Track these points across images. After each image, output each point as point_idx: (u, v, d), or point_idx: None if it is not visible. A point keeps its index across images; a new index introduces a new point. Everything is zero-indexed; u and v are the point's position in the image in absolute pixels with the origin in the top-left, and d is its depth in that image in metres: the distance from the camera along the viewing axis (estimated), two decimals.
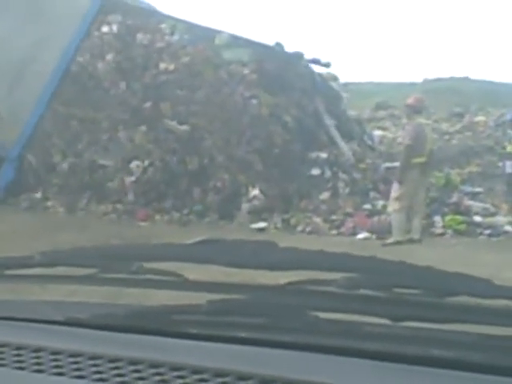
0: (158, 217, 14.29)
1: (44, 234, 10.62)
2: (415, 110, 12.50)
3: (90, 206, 14.78)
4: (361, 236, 13.26)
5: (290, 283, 1.51)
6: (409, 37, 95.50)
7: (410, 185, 12.01)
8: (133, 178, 15.07)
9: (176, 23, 17.78)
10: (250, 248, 1.64)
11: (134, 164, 15.25)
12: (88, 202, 14.90)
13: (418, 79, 37.10)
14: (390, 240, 11.91)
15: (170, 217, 14.27)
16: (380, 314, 1.42)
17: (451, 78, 34.48)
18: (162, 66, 16.43)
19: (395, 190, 12.22)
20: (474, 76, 44.05)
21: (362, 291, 1.45)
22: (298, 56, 18.33)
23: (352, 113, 19.49)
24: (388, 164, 16.79)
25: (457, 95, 28.94)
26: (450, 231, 13.89)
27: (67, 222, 12.58)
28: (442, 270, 1.45)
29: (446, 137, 23.05)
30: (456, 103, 27.27)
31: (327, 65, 19.09)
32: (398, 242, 11.75)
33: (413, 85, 34.39)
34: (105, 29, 17.28)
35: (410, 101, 12.72)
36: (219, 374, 1.30)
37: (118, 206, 14.69)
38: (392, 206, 12.31)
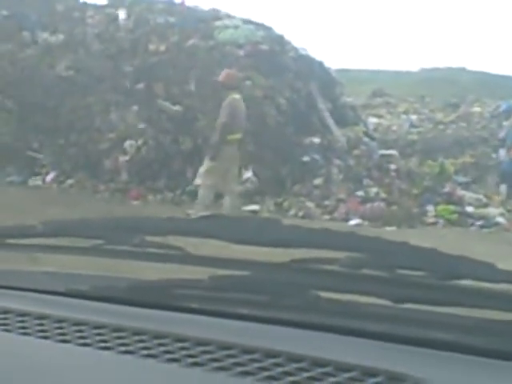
0: (150, 196, 14.29)
1: (35, 208, 10.60)
2: (228, 86, 12.01)
3: (82, 184, 14.78)
4: (353, 222, 13.28)
5: (292, 261, 1.50)
6: (407, 26, 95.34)
7: (224, 161, 11.51)
8: (126, 158, 15.06)
9: (172, 6, 17.93)
10: (253, 224, 1.64)
11: (127, 143, 15.25)
12: (81, 179, 14.90)
13: (415, 68, 37.11)
14: (191, 211, 11.28)
15: (162, 196, 14.27)
16: (382, 294, 1.42)
17: (448, 68, 34.49)
18: (152, 47, 16.51)
19: (206, 166, 11.78)
20: (470, 67, 44.01)
21: (365, 271, 1.45)
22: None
23: (347, 99, 19.44)
24: (383, 151, 16.80)
25: (453, 85, 28.96)
26: (441, 221, 13.94)
27: (58, 198, 12.54)
28: (446, 252, 1.45)
29: (441, 126, 23.06)
30: (452, 93, 27.27)
31: None
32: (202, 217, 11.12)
33: (409, 73, 34.42)
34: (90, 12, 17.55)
35: (221, 78, 12.23)
36: (224, 346, 1.30)
37: (111, 184, 14.69)
38: (199, 181, 11.89)
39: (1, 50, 16.32)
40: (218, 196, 12.03)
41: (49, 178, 15.08)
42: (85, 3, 19.06)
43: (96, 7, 18.72)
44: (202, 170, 11.94)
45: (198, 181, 12.04)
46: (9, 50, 16.43)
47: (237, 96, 11.90)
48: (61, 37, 17.26)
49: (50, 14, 17.70)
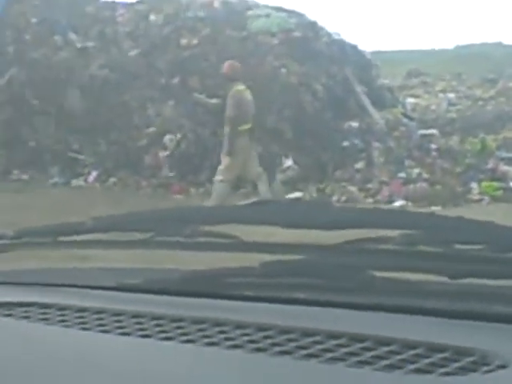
0: (193, 190, 14.33)
1: (80, 208, 10.68)
2: (231, 78, 11.99)
3: (124, 181, 14.88)
4: (397, 204, 13.21)
5: (346, 242, 1.49)
6: (439, 3, 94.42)
7: (239, 153, 11.56)
8: (166, 152, 15.12)
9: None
10: (304, 208, 1.63)
11: (167, 138, 15.31)
12: (123, 177, 15.00)
13: (450, 45, 36.75)
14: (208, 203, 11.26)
15: (204, 189, 14.30)
16: (439, 270, 1.40)
17: (483, 44, 34.06)
18: (184, 41, 16.57)
19: (224, 162, 11.73)
20: (506, 41, 43.52)
21: (421, 248, 1.43)
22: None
23: (384, 81, 19.32)
24: (423, 131, 16.67)
25: (489, 61, 28.60)
26: (486, 198, 13.81)
27: (102, 197, 12.63)
28: (502, 224, 1.43)
29: (480, 103, 22.83)
30: (489, 69, 26.93)
31: None
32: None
33: (444, 51, 34.09)
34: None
35: (224, 69, 12.21)
36: (284, 330, 1.29)
37: (153, 180, 14.77)
38: (218, 176, 11.78)
39: (35, 55, 16.44)
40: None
41: (91, 177, 15.20)
42: (114, 2, 19.16)
43: (125, 5, 18.81)
44: (221, 166, 11.85)
45: (218, 177, 11.88)
46: (43, 54, 16.56)
47: (241, 87, 11.90)
48: (93, 37, 17.39)
49: (80, 15, 17.82)
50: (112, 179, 15.06)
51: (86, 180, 15.28)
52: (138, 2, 18.74)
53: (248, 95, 11.98)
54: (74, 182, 15.14)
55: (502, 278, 1.37)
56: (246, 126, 11.65)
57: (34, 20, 17.27)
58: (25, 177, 15.12)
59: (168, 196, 13.37)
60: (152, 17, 17.67)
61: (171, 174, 14.84)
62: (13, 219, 9.17)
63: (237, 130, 11.52)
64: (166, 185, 14.47)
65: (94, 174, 15.23)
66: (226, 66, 12.25)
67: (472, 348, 1.18)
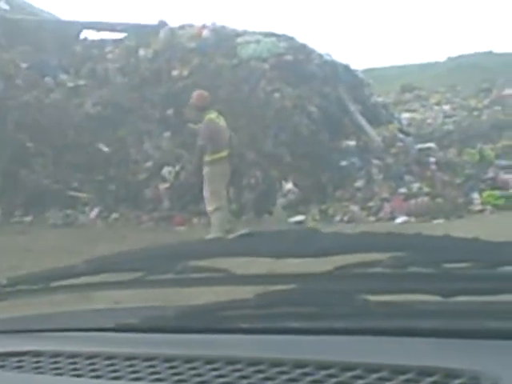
0: (195, 220, 14.32)
1: (83, 247, 10.68)
2: (200, 108, 11.92)
3: (126, 217, 14.88)
4: (399, 220, 13.21)
5: (336, 268, 1.49)
6: (428, 16, 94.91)
7: (220, 180, 11.59)
8: (166, 185, 15.14)
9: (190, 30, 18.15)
10: (292, 237, 1.62)
11: (165, 170, 15.33)
12: (124, 212, 15.00)
13: (441, 58, 36.84)
14: (209, 236, 10.98)
15: (207, 219, 14.29)
16: (431, 291, 1.40)
17: (475, 54, 34.21)
18: (175, 72, 16.67)
19: (206, 191, 11.74)
20: (497, 49, 43.61)
21: (410, 269, 1.43)
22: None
23: (378, 98, 19.39)
24: (420, 145, 16.70)
25: (482, 70, 28.71)
26: (489, 207, 13.81)
27: (105, 234, 12.63)
28: (489, 240, 1.43)
29: (476, 113, 22.89)
30: (482, 79, 27.05)
31: None
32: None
33: (436, 64, 34.21)
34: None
35: (193, 100, 12.17)
36: (275, 363, 1.29)
37: (154, 213, 14.77)
38: (209, 207, 11.76)
39: (26, 98, 16.53)
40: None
41: (92, 214, 15.19)
42: (102, 40, 19.29)
43: (114, 42, 18.92)
44: (206, 196, 11.85)
45: (209, 208, 11.85)
46: (35, 97, 16.64)
47: (213, 115, 11.86)
48: (83, 75, 17.50)
49: (70, 55, 17.96)
50: (114, 215, 15.05)
51: (87, 217, 15.27)
52: (125, 37, 18.85)
53: (221, 123, 11.97)
54: (76, 221, 15.13)
55: (491, 294, 1.36)
56: (222, 154, 11.62)
57: (23, 65, 17.38)
58: (27, 218, 15.12)
59: (170, 228, 13.35)
60: (141, 51, 17.77)
61: (172, 206, 14.84)
62: (17, 262, 9.21)
63: (212, 158, 11.50)
64: (168, 217, 14.47)
65: (96, 211, 15.22)
66: (195, 96, 12.20)
67: (462, 369, 1.18)
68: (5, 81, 16.81)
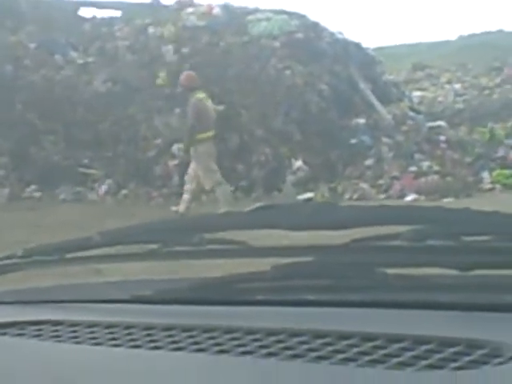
0: (204, 197, 14.32)
1: (93, 223, 10.70)
2: (189, 88, 12.30)
3: (135, 193, 14.90)
4: (409, 198, 13.18)
5: (354, 241, 1.48)
6: None
7: (204, 159, 11.88)
8: (175, 161, 15.14)
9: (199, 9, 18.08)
10: (309, 210, 1.61)
11: (175, 147, 15.32)
12: (134, 189, 15.02)
13: (452, 37, 36.65)
14: (175, 208, 11.94)
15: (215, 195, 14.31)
16: (449, 264, 1.39)
17: (486, 33, 34.01)
18: (185, 50, 16.64)
19: (199, 170, 12.02)
20: (508, 28, 43.35)
21: (429, 242, 1.42)
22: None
23: (389, 76, 19.31)
24: (431, 123, 16.64)
25: (493, 49, 28.53)
26: (498, 186, 13.78)
27: (114, 209, 12.64)
28: (509, 213, 1.41)
29: (486, 91, 22.79)
30: (493, 57, 26.90)
31: None
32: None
33: (447, 43, 34.03)
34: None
35: (182, 81, 12.60)
36: (295, 334, 1.28)
37: (164, 190, 14.78)
38: (207, 185, 12.16)
39: (36, 77, 16.52)
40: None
41: (102, 191, 15.21)
42: (111, 18, 19.25)
43: (123, 20, 18.87)
44: (188, 175, 12.20)
45: (207, 186, 12.27)
46: (44, 75, 16.63)
47: (201, 95, 12.15)
48: (93, 53, 17.47)
49: (79, 34, 17.92)
50: (123, 191, 15.07)
51: (97, 194, 15.29)
52: (135, 15, 18.79)
53: (209, 103, 12.27)
54: (86, 197, 15.16)
55: (509, 268, 1.35)
56: (208, 134, 11.91)
57: (32, 45, 17.34)
58: (37, 194, 15.16)
59: (179, 204, 13.34)
60: (151, 29, 17.72)
61: (181, 183, 14.84)
62: (25, 237, 9.24)
63: (195, 138, 11.77)
64: (177, 194, 14.47)
65: (105, 187, 15.25)
66: (183, 77, 12.60)
67: (484, 340, 1.17)
68: (14, 62, 16.78)
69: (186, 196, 12.13)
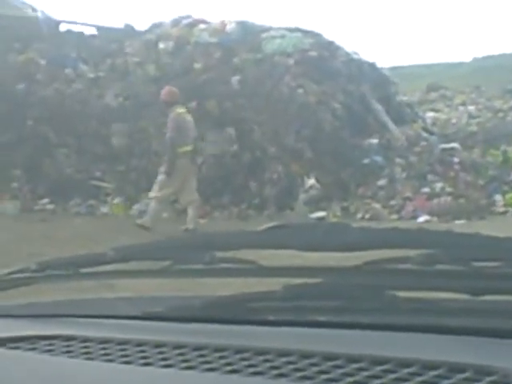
0: (216, 213, 14.34)
1: (102, 236, 10.71)
2: (169, 103, 12.36)
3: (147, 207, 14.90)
4: (421, 219, 13.15)
5: (365, 263, 1.48)
6: (456, 16, 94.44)
7: (178, 174, 11.90)
8: None
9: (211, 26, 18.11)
10: (322, 230, 1.62)
11: None
12: (145, 202, 15.02)
13: (467, 58, 36.62)
14: (140, 221, 11.95)
15: (228, 212, 14.31)
16: (459, 289, 1.39)
17: (501, 55, 33.97)
18: (198, 65, 16.66)
19: (159, 180, 12.19)
20: None
21: (440, 267, 1.43)
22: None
23: (403, 97, 19.32)
24: (444, 145, 16.62)
25: (508, 72, 28.48)
26: (511, 209, 13.73)
27: (124, 225, 12.64)
28: None
29: (501, 114, 22.74)
30: (508, 80, 26.86)
31: None
32: (143, 227, 11.61)
33: (462, 64, 34.03)
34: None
35: (162, 95, 12.62)
36: (306, 355, 1.29)
37: (176, 205, 14.78)
38: (153, 194, 12.26)
39: (49, 91, 16.60)
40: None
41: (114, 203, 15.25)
42: (120, 34, 19.29)
43: (133, 35, 18.92)
44: (155, 185, 12.32)
45: (151, 194, 12.42)
46: (56, 89, 16.71)
47: (181, 110, 12.30)
48: (103, 69, 17.53)
49: (89, 50, 17.98)
50: (135, 206, 15.08)
51: (109, 207, 15.32)
52: (145, 31, 18.87)
53: (189, 118, 12.38)
54: (98, 210, 15.19)
55: None
56: (187, 148, 12.01)
57: (42, 62, 17.41)
58: (50, 207, 15.21)
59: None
60: (161, 45, 17.75)
61: None
62: (40, 249, 9.27)
63: (176, 151, 11.87)
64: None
65: (118, 200, 15.28)
66: (164, 92, 12.66)
67: (493, 367, 1.17)
68: (25, 78, 16.86)
69: (151, 206, 12.25)
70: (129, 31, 19.09)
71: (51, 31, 18.34)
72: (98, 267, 1.77)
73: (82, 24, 19.58)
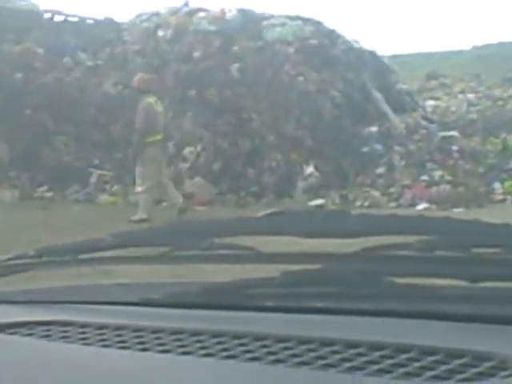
0: (215, 200, 14.34)
1: (101, 223, 10.71)
2: (142, 90, 12.41)
3: None
4: (420, 207, 13.16)
5: (364, 250, 1.48)
6: (456, 4, 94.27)
7: (151, 163, 12.01)
8: (187, 165, 15.15)
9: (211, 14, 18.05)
10: (321, 217, 1.62)
11: (186, 150, 15.34)
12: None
13: (467, 46, 36.57)
14: (135, 217, 11.79)
15: (227, 199, 14.31)
16: (458, 275, 1.39)
17: (500, 43, 33.93)
18: (197, 54, 16.60)
19: (138, 172, 12.30)
20: None
21: (438, 253, 1.42)
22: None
23: (402, 86, 19.30)
24: (443, 133, 16.62)
25: (507, 60, 28.46)
26: (510, 197, 13.75)
27: (126, 211, 12.64)
28: None
29: (500, 102, 22.74)
30: (507, 68, 26.83)
31: None
32: (142, 220, 11.64)
33: (462, 52, 33.99)
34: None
35: (135, 82, 12.70)
36: (304, 341, 1.28)
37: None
38: (139, 188, 12.32)
39: (47, 79, 16.55)
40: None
41: (112, 192, 15.23)
42: (119, 23, 19.24)
43: (131, 24, 18.87)
44: (137, 178, 12.43)
45: (137, 188, 12.47)
46: (55, 77, 16.66)
47: (151, 99, 12.29)
48: (102, 57, 17.49)
49: (87, 38, 17.91)
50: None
51: (108, 194, 15.31)
52: (144, 19, 18.80)
53: (158, 107, 12.42)
54: (97, 198, 15.19)
55: None
56: (156, 138, 12.07)
57: (40, 50, 17.35)
58: (48, 194, 15.21)
59: (190, 207, 13.34)
60: (160, 33, 17.70)
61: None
62: (39, 236, 9.27)
63: (146, 140, 11.93)
64: (188, 196, 14.48)
65: (116, 188, 15.27)
66: (137, 78, 12.71)
67: (491, 352, 1.17)
68: (23, 68, 16.81)
69: (141, 199, 12.28)
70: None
71: (49, 20, 18.28)
72: (96, 253, 1.76)
73: (80, 17, 19.46)
